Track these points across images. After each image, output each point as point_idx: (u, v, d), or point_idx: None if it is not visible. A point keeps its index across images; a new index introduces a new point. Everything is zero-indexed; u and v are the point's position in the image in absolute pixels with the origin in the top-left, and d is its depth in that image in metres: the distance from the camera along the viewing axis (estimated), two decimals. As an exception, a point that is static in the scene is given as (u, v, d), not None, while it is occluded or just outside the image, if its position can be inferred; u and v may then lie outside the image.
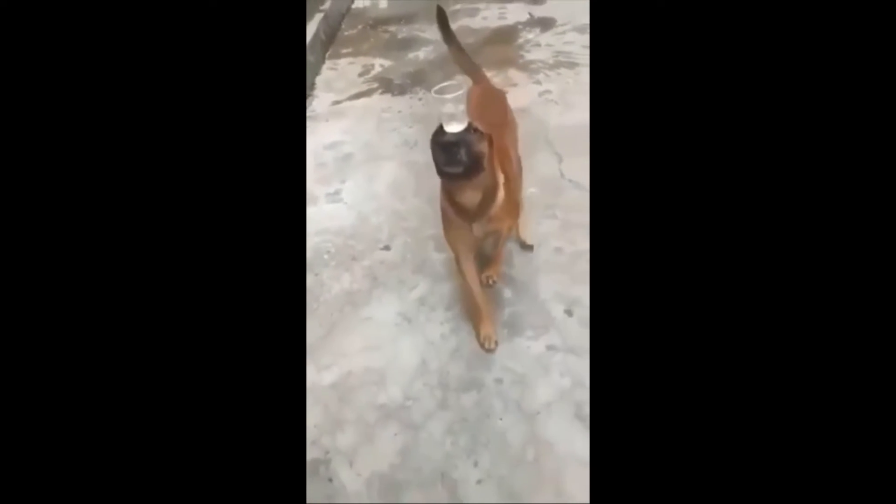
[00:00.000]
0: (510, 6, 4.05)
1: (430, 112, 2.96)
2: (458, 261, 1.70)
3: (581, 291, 1.87)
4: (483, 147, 1.37)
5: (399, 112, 3.05)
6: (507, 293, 1.91)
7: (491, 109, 1.78)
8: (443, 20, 1.99)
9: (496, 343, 1.74)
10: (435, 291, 1.97)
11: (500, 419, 1.55)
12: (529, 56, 3.40)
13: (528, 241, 2.05)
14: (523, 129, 1.99)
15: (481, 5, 4.11)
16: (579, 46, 3.40)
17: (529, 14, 3.91)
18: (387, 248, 2.19)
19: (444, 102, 1.27)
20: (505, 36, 3.68)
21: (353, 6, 4.49)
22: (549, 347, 1.72)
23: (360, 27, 4.16)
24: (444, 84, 1.28)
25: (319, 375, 1.74)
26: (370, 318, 1.92)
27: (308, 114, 3.15)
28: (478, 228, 1.54)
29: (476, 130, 1.34)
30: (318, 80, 3.50)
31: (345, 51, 3.84)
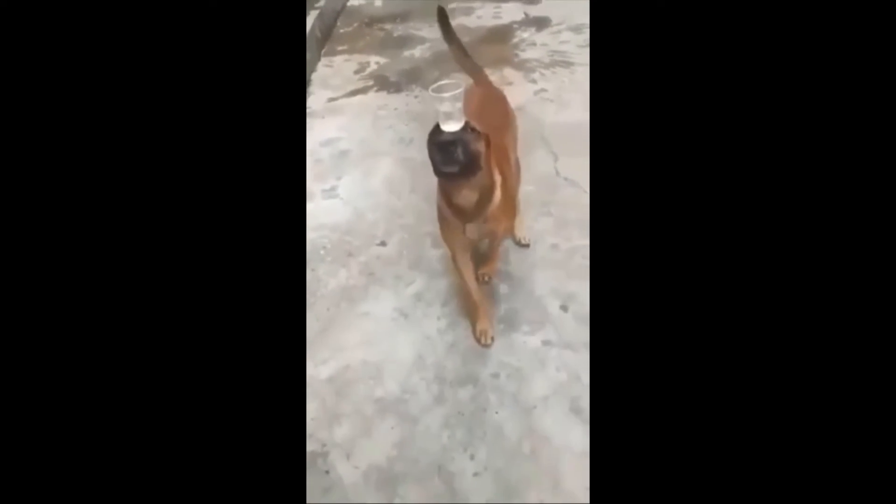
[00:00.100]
0: (505, 5, 4.07)
1: (425, 110, 2.97)
2: (454, 258, 1.71)
3: (576, 287, 1.88)
4: (480, 146, 1.37)
5: (395, 109, 3.06)
6: (504, 289, 1.93)
7: (492, 110, 1.78)
8: (444, 20, 1.99)
9: (492, 338, 1.75)
10: (431, 287, 1.98)
11: (497, 413, 1.57)
12: (525, 55, 3.41)
13: (525, 240, 2.07)
14: (519, 127, 2.00)
15: (476, 4, 4.12)
16: (574, 46, 3.42)
17: (525, 13, 3.93)
18: (383, 244, 2.20)
19: (442, 101, 1.27)
20: (500, 35, 3.70)
21: (349, 4, 4.49)
22: (545, 342, 1.74)
23: (355, 25, 4.16)
24: (442, 83, 1.28)
25: (317, 369, 1.74)
26: (367, 313, 1.92)
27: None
28: (472, 230, 1.54)
29: (473, 130, 1.34)
30: (314, 76, 3.50)
31: (340, 48, 3.84)
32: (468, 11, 4.01)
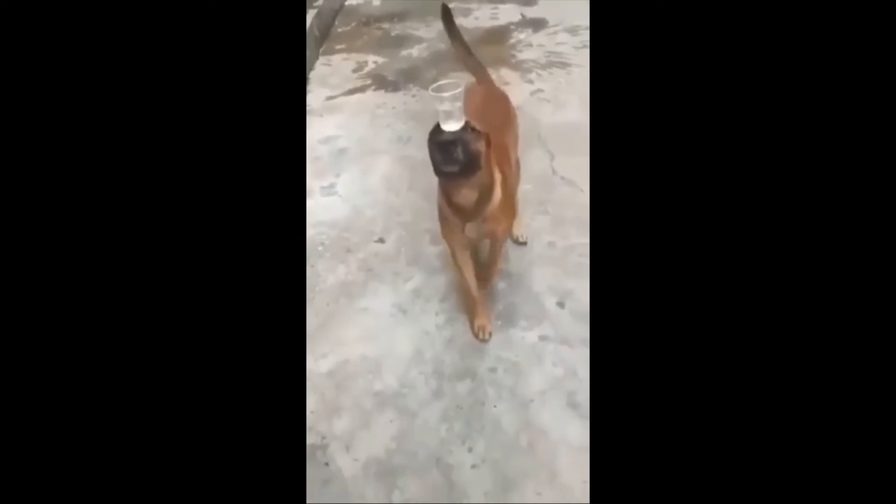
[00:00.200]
0: (502, 7, 4.10)
1: (423, 108, 2.99)
2: (453, 256, 1.73)
3: (573, 284, 1.91)
4: (480, 146, 1.37)
5: (393, 108, 3.08)
6: (502, 286, 1.95)
7: (494, 109, 1.80)
8: (448, 18, 2.01)
9: (490, 334, 1.77)
10: (430, 283, 2.00)
11: (495, 406, 1.59)
12: (521, 56, 3.44)
13: (522, 238, 2.09)
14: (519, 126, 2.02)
15: (474, 5, 4.15)
16: (570, 47, 3.45)
17: (521, 15, 3.96)
18: (381, 240, 2.21)
19: (442, 100, 1.28)
20: (497, 36, 3.73)
21: (347, 3, 4.51)
22: (542, 338, 1.76)
23: (353, 24, 4.18)
24: (442, 82, 1.29)
25: (316, 364, 1.76)
26: (366, 308, 1.94)
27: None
28: (471, 229, 1.55)
29: (473, 129, 1.35)
30: (312, 75, 3.51)
31: (338, 47, 3.86)
32: (466, 12, 4.03)
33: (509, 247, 2.08)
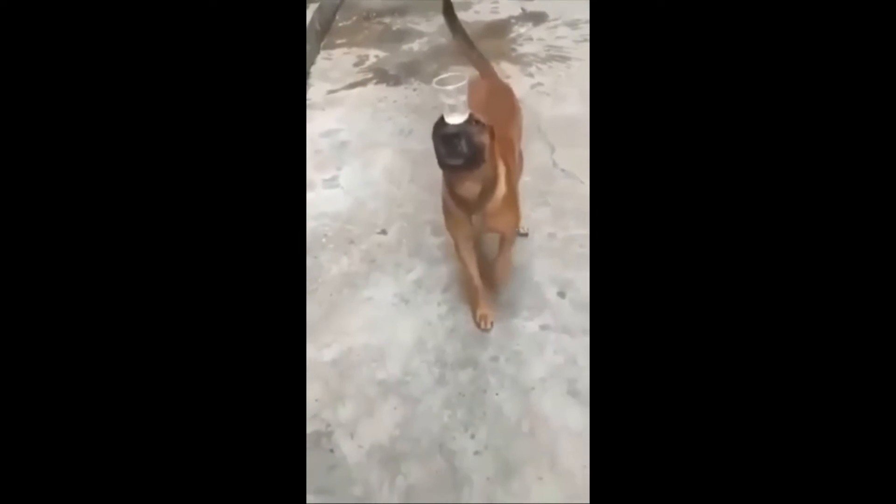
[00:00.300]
0: (503, 1, 4.11)
1: (424, 102, 3.01)
2: (457, 248, 1.75)
3: (573, 274, 1.93)
4: (484, 139, 1.38)
5: (394, 102, 3.10)
6: (502, 276, 1.97)
7: (498, 102, 1.81)
8: (450, 12, 2.01)
9: (492, 323, 1.80)
10: (432, 274, 2.02)
11: (497, 394, 1.61)
12: (522, 49, 3.46)
13: (523, 229, 2.10)
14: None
15: (474, -1, 4.16)
16: (570, 41, 3.47)
17: (522, 9, 3.97)
18: (383, 232, 2.24)
19: (446, 94, 1.28)
20: (498, 30, 3.74)
21: (347, -2, 4.52)
22: (543, 327, 1.78)
23: (354, 18, 4.19)
24: (445, 75, 1.30)
25: (320, 353, 1.78)
26: (369, 299, 1.96)
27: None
28: (476, 220, 1.56)
29: (477, 122, 1.35)
30: (314, 69, 3.53)
31: (339, 41, 3.87)
32: (466, 6, 4.05)
33: (510, 238, 2.10)
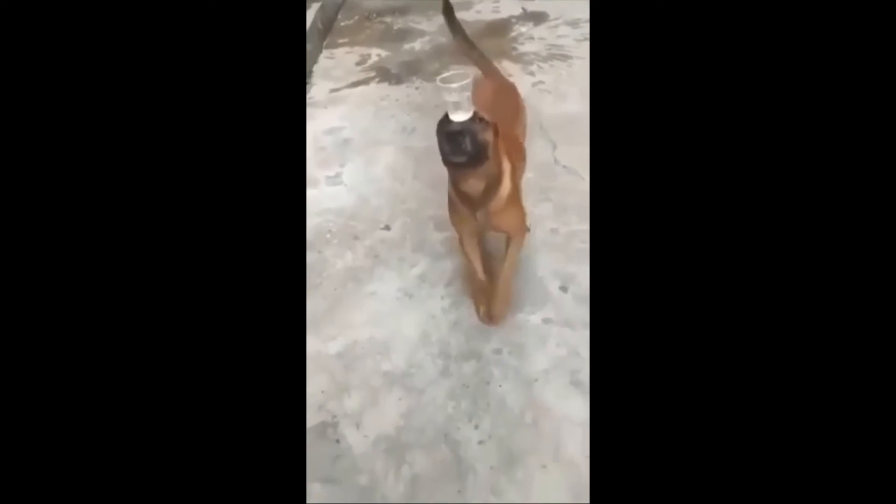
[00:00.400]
0: (503, 0, 4.13)
1: (427, 100, 3.03)
2: (461, 243, 1.77)
3: (575, 269, 1.95)
4: (488, 136, 1.40)
5: (396, 100, 3.12)
6: (505, 270, 1.99)
7: (504, 101, 1.82)
8: (449, 13, 2.03)
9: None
10: (435, 269, 2.04)
11: (500, 386, 1.63)
12: (523, 48, 3.48)
13: (526, 225, 2.13)
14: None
15: (475, -1, 4.19)
16: (571, 40, 3.49)
17: (522, 9, 3.99)
18: (387, 227, 2.26)
19: (450, 91, 1.30)
20: (498, 29, 3.76)
21: (349, -3, 4.55)
22: (546, 320, 1.81)
23: (355, 18, 4.22)
24: (449, 73, 1.32)
25: (325, 345, 1.80)
26: (373, 293, 1.99)
27: (307, 100, 3.20)
28: (481, 217, 1.57)
29: (481, 120, 1.37)
30: (316, 68, 3.55)
31: (341, 41, 3.90)
32: (467, 6, 4.07)
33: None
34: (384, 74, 3.41)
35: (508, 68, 3.23)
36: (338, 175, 2.59)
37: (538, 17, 3.83)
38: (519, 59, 3.36)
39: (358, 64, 3.56)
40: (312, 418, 1.60)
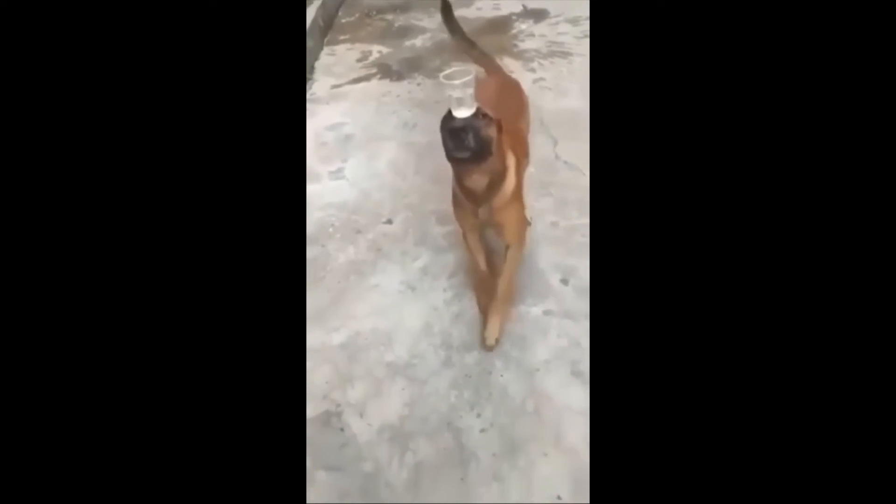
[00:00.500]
0: (504, -2, 4.16)
1: (428, 96, 3.06)
2: (464, 237, 1.79)
3: (576, 262, 1.98)
4: (491, 132, 1.40)
5: (398, 96, 3.14)
6: (506, 263, 2.01)
7: (508, 98, 1.83)
8: (447, 13, 2.04)
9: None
10: (437, 262, 2.07)
11: (502, 375, 1.66)
12: (523, 45, 3.50)
13: (527, 219, 2.15)
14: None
15: (476, -4, 4.21)
16: (571, 37, 3.52)
17: (523, 6, 4.01)
18: (389, 221, 2.28)
19: (453, 87, 1.31)
20: (499, 26, 3.79)
21: (350, -5, 4.57)
22: (547, 312, 1.83)
23: (356, 15, 4.24)
24: (452, 70, 1.33)
25: (329, 336, 1.83)
26: (376, 286, 2.01)
27: (308, 97, 3.22)
28: (483, 213, 1.58)
29: (485, 115, 1.38)
30: (317, 64, 3.57)
31: (342, 37, 3.92)
32: (468, 3, 4.09)
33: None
34: (385, 71, 3.43)
35: (509, 65, 3.24)
36: (340, 170, 2.61)
37: (539, 15, 3.85)
38: (520, 55, 3.38)
39: (359, 60, 3.58)
40: (317, 407, 1.63)
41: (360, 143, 2.79)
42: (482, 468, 1.45)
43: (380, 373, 1.71)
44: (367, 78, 3.37)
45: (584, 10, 3.69)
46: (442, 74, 1.34)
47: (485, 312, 1.82)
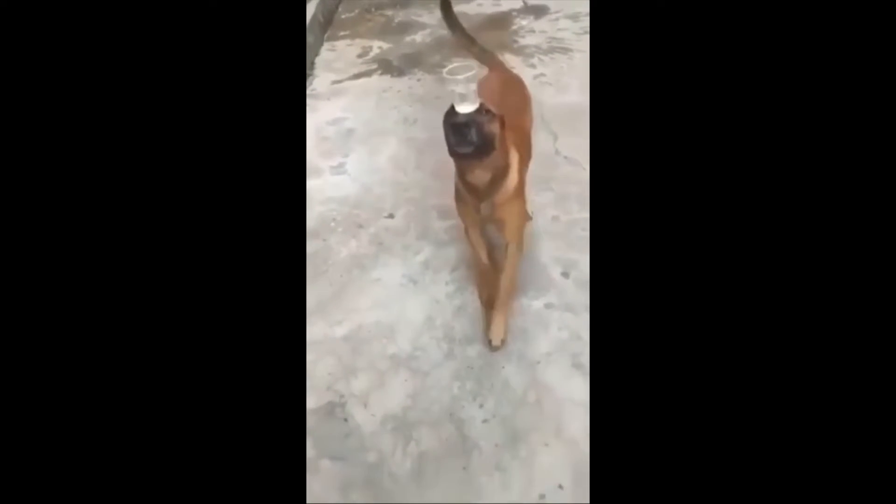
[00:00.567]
0: (504, -6, 4.17)
1: (428, 91, 3.07)
2: (466, 231, 1.80)
3: (576, 256, 1.99)
4: (494, 127, 1.41)
5: (398, 92, 3.15)
6: (507, 257, 2.03)
7: (512, 95, 1.84)
8: (447, 10, 2.04)
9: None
10: (439, 255, 2.08)
11: (503, 367, 1.68)
12: (524, 41, 3.51)
13: (528, 214, 2.16)
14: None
15: (476, -8, 4.22)
16: (571, 33, 3.53)
17: (523, 2, 4.02)
18: (391, 216, 2.30)
19: (456, 83, 1.32)
20: (499, 22, 3.80)
21: (350, -10, 4.57)
22: (548, 305, 1.85)
23: (356, 11, 4.24)
24: (455, 65, 1.34)
25: (332, 329, 1.84)
26: (378, 279, 2.03)
27: (309, 92, 3.23)
28: (485, 208, 1.59)
29: (487, 111, 1.39)
30: (318, 60, 3.58)
31: (342, 33, 3.92)
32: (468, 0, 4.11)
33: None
34: (386, 66, 3.44)
35: (510, 60, 3.25)
36: (341, 165, 2.62)
37: (539, 11, 3.87)
38: (520, 51, 3.39)
39: (359, 56, 3.59)
40: (321, 398, 1.64)
41: (361, 138, 2.80)
42: (484, 458, 1.47)
43: (383, 365, 1.73)
44: (367, 74, 3.39)
45: (583, 6, 3.70)
46: (446, 70, 1.35)
47: (486, 306, 1.84)
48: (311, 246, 2.17)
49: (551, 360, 1.68)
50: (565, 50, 3.35)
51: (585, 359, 1.66)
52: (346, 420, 1.59)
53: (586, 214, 2.13)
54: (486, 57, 2.09)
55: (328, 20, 4.04)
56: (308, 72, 3.42)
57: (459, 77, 1.33)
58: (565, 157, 2.47)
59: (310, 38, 3.57)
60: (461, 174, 1.56)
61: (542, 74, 3.12)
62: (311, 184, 2.48)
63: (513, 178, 1.57)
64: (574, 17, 3.68)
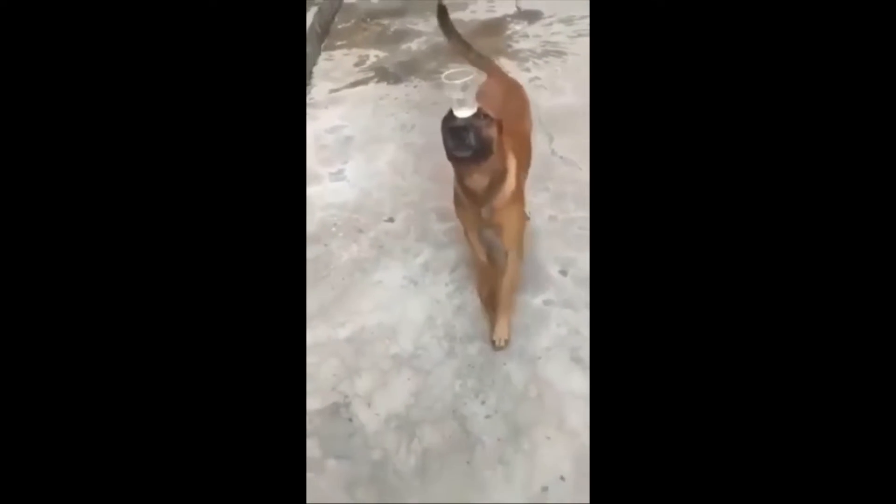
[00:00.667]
0: (498, 0, 4.21)
1: (425, 98, 3.11)
2: (465, 234, 1.82)
3: (574, 254, 2.02)
4: (492, 132, 1.41)
5: (395, 99, 3.19)
6: (506, 257, 2.06)
7: (511, 101, 1.87)
8: (443, 17, 2.07)
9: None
10: (439, 257, 2.11)
11: (504, 364, 1.70)
12: (518, 46, 3.56)
13: (526, 214, 2.19)
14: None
15: (470, -1, 4.27)
16: (565, 37, 3.57)
17: (517, 7, 4.07)
18: (390, 220, 2.33)
19: (454, 88, 1.34)
20: (494, 28, 3.85)
21: (346, 1, 4.62)
22: (547, 302, 1.88)
23: (352, 21, 4.29)
24: (453, 70, 1.36)
25: (335, 331, 1.87)
26: (379, 282, 2.05)
27: (307, 101, 3.27)
28: (485, 213, 1.60)
29: (485, 116, 1.40)
30: (315, 69, 3.62)
31: (339, 43, 3.97)
32: (463, 6, 4.15)
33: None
34: (382, 74, 3.48)
35: (505, 65, 3.29)
36: (341, 171, 2.66)
37: (532, 16, 3.91)
38: (515, 55, 3.43)
39: (356, 65, 3.63)
40: (326, 399, 1.67)
41: (359, 144, 2.83)
42: (487, 453, 1.49)
43: (385, 365, 1.75)
44: (364, 82, 3.43)
45: (577, 10, 3.75)
46: (444, 75, 1.37)
47: (486, 303, 1.86)
48: (313, 251, 2.20)
49: (551, 355, 1.71)
50: (559, 53, 3.39)
51: (584, 353, 1.69)
52: (350, 420, 1.62)
53: (583, 213, 2.16)
54: (483, 62, 2.11)
55: (325, 30, 4.09)
56: (306, 81, 3.46)
57: (458, 82, 1.34)
58: (561, 158, 2.50)
59: (307, 49, 3.61)
60: (460, 179, 1.56)
61: (537, 78, 3.16)
62: (312, 190, 2.52)
63: (510, 182, 1.57)
64: (567, 21, 3.73)
